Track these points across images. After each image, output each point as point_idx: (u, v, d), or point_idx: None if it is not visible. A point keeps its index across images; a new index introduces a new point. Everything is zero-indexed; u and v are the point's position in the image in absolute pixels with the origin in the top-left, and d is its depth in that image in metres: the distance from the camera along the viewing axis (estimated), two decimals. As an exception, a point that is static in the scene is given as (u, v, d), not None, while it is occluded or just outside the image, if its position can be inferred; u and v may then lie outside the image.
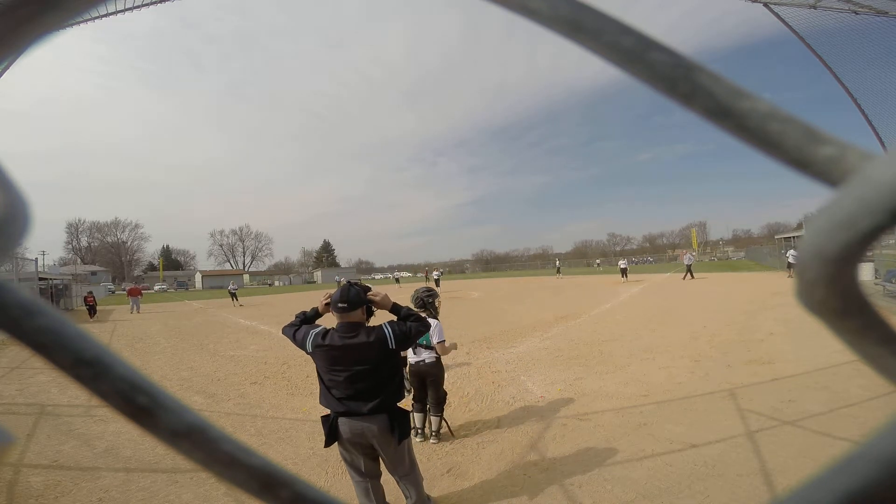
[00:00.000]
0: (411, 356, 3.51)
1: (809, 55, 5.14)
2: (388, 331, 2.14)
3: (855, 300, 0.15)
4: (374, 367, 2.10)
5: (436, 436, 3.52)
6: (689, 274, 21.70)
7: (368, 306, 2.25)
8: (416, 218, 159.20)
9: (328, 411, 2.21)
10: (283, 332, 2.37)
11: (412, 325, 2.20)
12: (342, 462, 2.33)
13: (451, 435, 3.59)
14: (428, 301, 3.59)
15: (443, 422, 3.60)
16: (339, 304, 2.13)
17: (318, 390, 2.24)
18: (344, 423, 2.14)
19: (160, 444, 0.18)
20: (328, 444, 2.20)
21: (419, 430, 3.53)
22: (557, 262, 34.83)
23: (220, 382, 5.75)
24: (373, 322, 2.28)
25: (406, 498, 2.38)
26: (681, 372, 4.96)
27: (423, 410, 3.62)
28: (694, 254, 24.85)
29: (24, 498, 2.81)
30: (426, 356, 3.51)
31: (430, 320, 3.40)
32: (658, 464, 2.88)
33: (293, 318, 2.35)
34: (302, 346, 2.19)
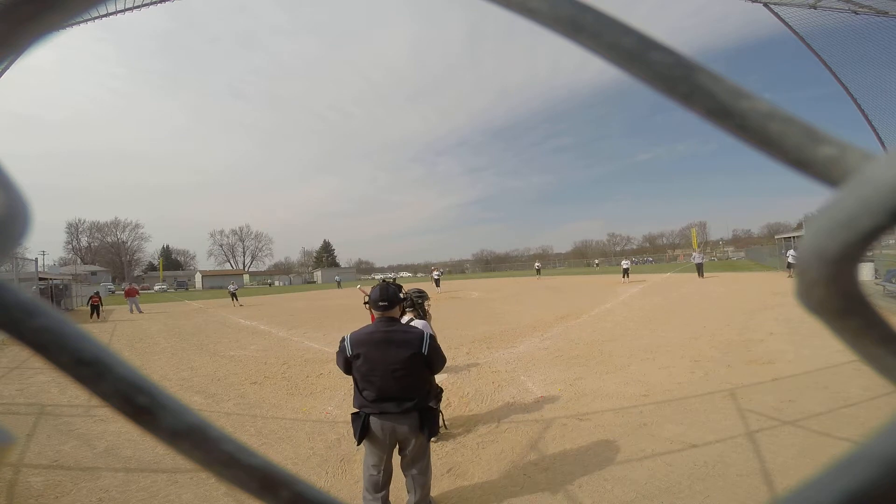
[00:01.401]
0: None
1: (810, 55, 5.14)
2: (426, 336, 2.29)
3: (855, 300, 0.15)
4: (408, 362, 2.21)
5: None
6: (699, 273, 21.64)
7: (403, 304, 2.45)
8: (417, 218, 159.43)
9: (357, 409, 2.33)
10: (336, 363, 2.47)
11: (441, 354, 2.37)
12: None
13: (445, 428, 3.61)
14: (418, 302, 3.67)
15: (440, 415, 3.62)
16: (380, 303, 2.32)
17: (352, 393, 2.35)
18: (376, 422, 2.25)
19: (160, 444, 0.18)
20: (360, 441, 2.29)
21: None
22: (537, 265, 36.34)
23: (220, 382, 5.75)
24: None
25: (409, 493, 2.40)
26: (681, 372, 4.96)
27: None
28: (700, 253, 25.09)
29: (24, 498, 2.81)
30: None
31: (417, 321, 3.55)
32: (658, 464, 2.88)
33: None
34: (343, 353, 2.32)
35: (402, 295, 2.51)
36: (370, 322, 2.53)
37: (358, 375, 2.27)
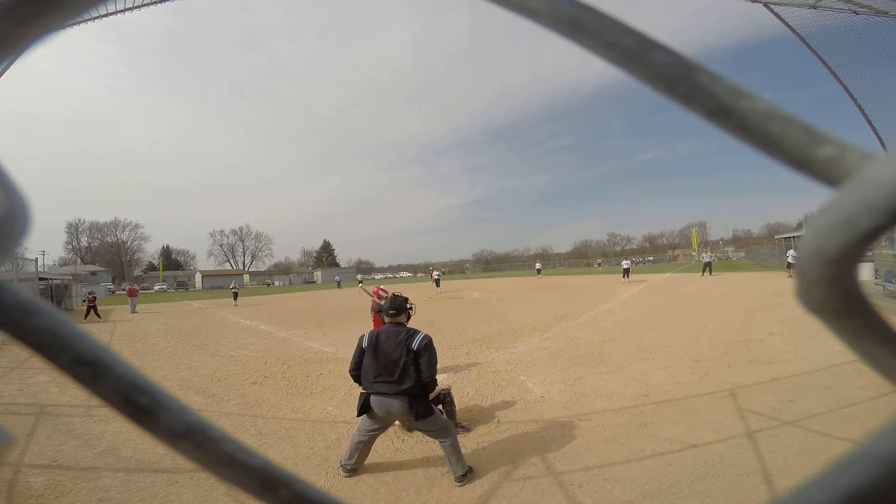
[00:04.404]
0: None
1: (811, 55, 5.14)
2: (419, 336, 2.92)
3: (855, 300, 0.15)
4: (403, 355, 2.82)
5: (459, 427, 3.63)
6: (707, 271, 22.46)
7: (408, 312, 3.18)
8: (417, 218, 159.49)
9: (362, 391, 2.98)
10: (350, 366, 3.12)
11: (432, 356, 2.91)
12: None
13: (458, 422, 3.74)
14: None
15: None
16: (390, 311, 3.04)
17: (352, 394, 2.94)
18: (374, 399, 2.86)
19: (160, 444, 0.18)
20: (360, 414, 2.93)
21: None
22: (538, 265, 37.47)
23: (220, 382, 5.75)
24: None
25: (447, 465, 2.84)
26: (681, 372, 4.96)
27: None
28: (708, 253, 26.72)
29: (24, 498, 2.81)
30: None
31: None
32: (658, 464, 2.88)
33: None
34: (360, 344, 3.03)
35: (408, 304, 3.23)
36: (372, 322, 3.12)
37: (366, 363, 2.92)
